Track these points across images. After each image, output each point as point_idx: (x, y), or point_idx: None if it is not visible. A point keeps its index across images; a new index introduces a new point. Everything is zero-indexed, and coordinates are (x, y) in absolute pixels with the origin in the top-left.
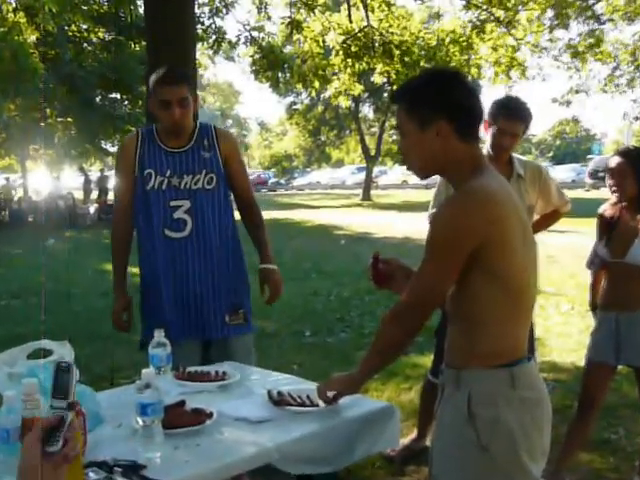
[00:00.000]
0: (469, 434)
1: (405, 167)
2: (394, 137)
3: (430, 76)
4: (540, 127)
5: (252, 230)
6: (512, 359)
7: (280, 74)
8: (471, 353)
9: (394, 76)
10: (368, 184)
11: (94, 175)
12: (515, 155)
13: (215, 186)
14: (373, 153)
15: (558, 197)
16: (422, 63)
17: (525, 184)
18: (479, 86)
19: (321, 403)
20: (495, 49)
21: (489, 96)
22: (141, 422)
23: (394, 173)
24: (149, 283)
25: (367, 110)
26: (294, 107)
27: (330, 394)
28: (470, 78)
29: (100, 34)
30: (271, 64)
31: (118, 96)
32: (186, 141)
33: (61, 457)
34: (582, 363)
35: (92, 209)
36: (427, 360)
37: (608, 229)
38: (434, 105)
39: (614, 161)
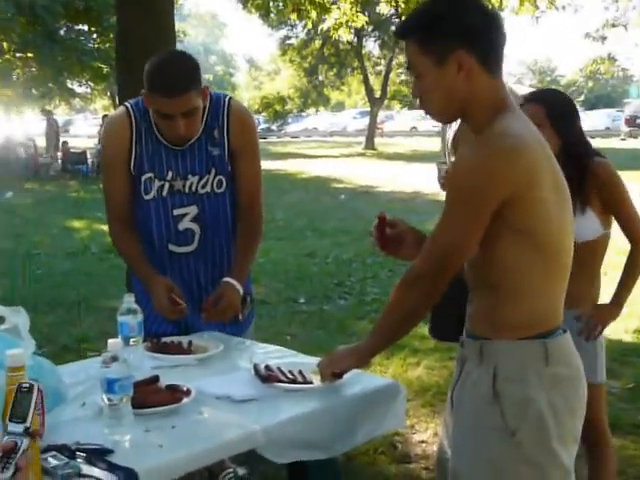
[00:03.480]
0: (493, 416)
1: (418, 111)
2: (402, 77)
3: (439, 0)
4: (570, 66)
5: (242, 240)
6: (546, 330)
7: (271, 3)
8: (499, 323)
9: (403, 5)
10: (372, 131)
11: (59, 119)
12: None
13: (226, 190)
14: (378, 95)
15: None
16: None
17: None
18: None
19: (315, 380)
20: None
21: (512, 29)
22: (107, 400)
23: (402, 118)
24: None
25: (372, 46)
26: (288, 42)
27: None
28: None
29: None
30: None
31: (85, 28)
32: None
33: None
34: None
35: (56, 158)
36: None
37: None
38: (450, 33)
39: None
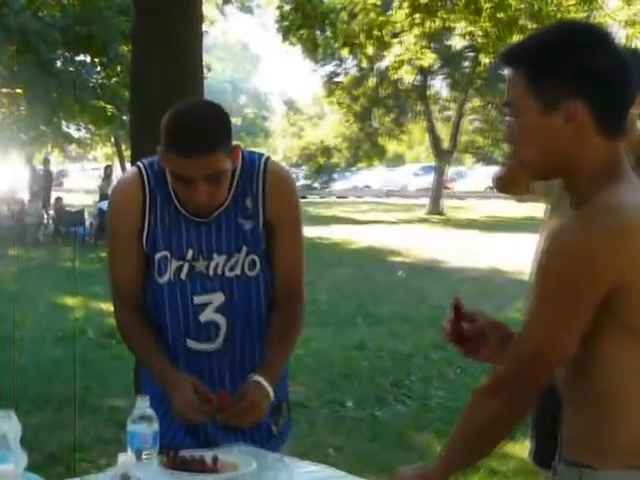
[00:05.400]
0: None
1: (497, 167)
2: (476, 124)
3: (565, 33)
4: None
5: (277, 332)
6: None
7: (318, 33)
8: (604, 446)
9: (481, 39)
10: (438, 191)
11: (53, 168)
12: None
13: (260, 272)
14: (447, 147)
15: None
16: (521, 21)
17: None
18: None
19: None
20: (628, 3)
21: None
22: None
23: (476, 176)
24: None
25: (439, 85)
26: (335, 79)
27: None
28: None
29: None
30: (306, 18)
31: (88, 59)
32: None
33: None
34: None
35: (46, 217)
36: (522, 448)
37: None
38: (567, 79)
39: None
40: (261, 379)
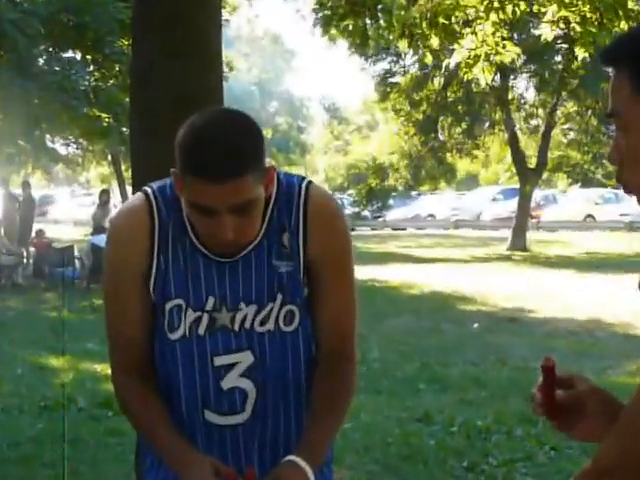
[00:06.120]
0: None
1: (597, 190)
2: (571, 135)
3: None
4: None
5: (321, 402)
6: None
7: (368, 22)
8: None
9: (577, 27)
10: (523, 221)
11: (35, 193)
12: None
13: (299, 326)
14: (533, 165)
15: None
16: (631, 4)
17: None
18: None
19: None
20: None
21: None
22: None
23: (571, 201)
24: None
25: (523, 87)
26: (391, 81)
27: None
28: None
29: None
30: (352, 4)
31: (78, 56)
32: None
33: None
34: None
35: (26, 255)
36: None
37: None
38: None
39: None
40: (299, 459)
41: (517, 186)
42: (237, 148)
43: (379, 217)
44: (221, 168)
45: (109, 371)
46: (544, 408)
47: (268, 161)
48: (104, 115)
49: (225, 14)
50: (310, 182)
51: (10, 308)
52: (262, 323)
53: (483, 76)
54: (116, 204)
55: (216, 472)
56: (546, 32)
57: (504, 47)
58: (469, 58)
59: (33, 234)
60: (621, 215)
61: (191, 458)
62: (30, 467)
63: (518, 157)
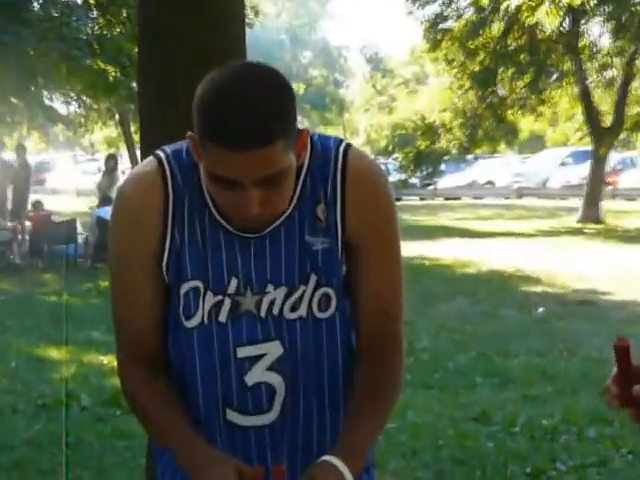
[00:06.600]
0: None
1: None
2: None
3: None
4: None
5: (362, 397)
6: None
7: None
8: None
9: None
10: (597, 188)
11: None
12: None
13: (336, 312)
14: (609, 123)
15: None
16: None
17: None
18: None
19: None
20: None
21: None
22: None
23: None
24: None
25: (597, 33)
26: (442, 27)
27: None
28: None
29: None
30: None
31: (79, 0)
32: None
33: None
34: None
35: (21, 230)
36: None
37: None
38: None
39: None
40: (336, 460)
41: (589, 148)
42: (263, 109)
43: (429, 185)
44: (245, 133)
45: (116, 363)
46: (620, 400)
47: (300, 122)
48: (110, 68)
49: None
50: (349, 145)
51: (3, 291)
52: (293, 309)
53: (548, 20)
54: (125, 171)
55: (240, 475)
56: None
57: None
58: (533, 0)
59: (29, 206)
60: None
61: (211, 458)
62: (25, 474)
63: (591, 114)
